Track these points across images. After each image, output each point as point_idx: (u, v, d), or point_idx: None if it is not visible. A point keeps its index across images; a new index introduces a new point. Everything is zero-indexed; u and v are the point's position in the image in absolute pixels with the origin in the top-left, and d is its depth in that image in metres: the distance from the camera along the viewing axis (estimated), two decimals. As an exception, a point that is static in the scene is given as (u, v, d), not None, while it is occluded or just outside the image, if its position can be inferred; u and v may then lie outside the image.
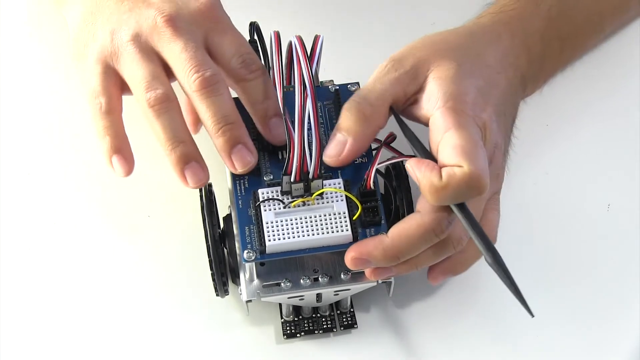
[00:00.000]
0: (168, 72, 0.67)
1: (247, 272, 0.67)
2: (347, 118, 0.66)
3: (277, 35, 0.68)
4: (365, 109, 0.66)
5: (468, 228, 0.62)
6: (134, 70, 0.66)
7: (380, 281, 0.67)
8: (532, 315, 0.62)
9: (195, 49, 0.66)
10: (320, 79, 0.72)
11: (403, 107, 0.67)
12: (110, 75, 0.67)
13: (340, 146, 0.66)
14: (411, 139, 0.66)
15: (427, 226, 0.63)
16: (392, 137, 0.68)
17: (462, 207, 0.63)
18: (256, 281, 0.67)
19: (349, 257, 0.64)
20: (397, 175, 0.68)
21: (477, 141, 0.63)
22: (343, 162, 0.66)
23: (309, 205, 0.66)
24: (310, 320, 0.70)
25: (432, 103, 0.65)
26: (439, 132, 0.64)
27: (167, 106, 0.65)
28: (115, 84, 0.67)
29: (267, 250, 0.65)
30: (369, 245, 0.64)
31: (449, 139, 0.63)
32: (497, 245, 0.73)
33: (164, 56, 0.67)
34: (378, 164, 0.66)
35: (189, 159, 0.65)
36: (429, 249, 0.65)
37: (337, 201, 0.66)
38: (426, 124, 0.66)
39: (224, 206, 0.70)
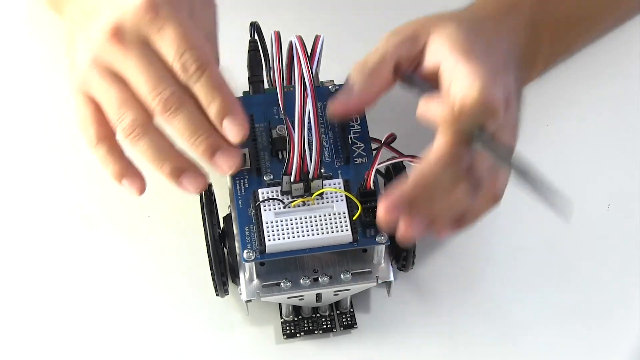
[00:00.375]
0: None
1: (247, 272, 0.67)
2: (351, 75, 0.67)
3: (278, 35, 0.68)
4: (367, 65, 0.67)
5: (491, 149, 0.62)
6: (103, 98, 0.66)
7: (380, 282, 0.67)
8: (568, 220, 0.61)
9: (147, 64, 0.64)
10: (321, 79, 0.72)
11: (409, 69, 0.68)
12: (90, 103, 0.67)
13: (345, 98, 0.67)
14: (423, 86, 0.67)
15: (445, 152, 0.63)
16: (392, 137, 0.68)
17: (480, 131, 0.63)
18: (256, 281, 0.67)
19: (382, 212, 0.63)
20: (397, 175, 0.68)
21: (487, 68, 0.64)
22: (343, 112, 0.67)
23: (309, 205, 0.66)
24: (310, 320, 0.70)
25: (439, 54, 0.66)
26: (449, 72, 0.65)
27: (141, 131, 0.64)
28: (98, 110, 0.67)
29: (267, 250, 0.65)
30: (395, 189, 0.63)
31: (460, 70, 0.64)
32: (497, 245, 0.74)
33: (123, 76, 0.65)
34: (378, 164, 0.66)
35: (181, 170, 0.65)
36: (459, 188, 0.64)
37: (337, 201, 0.66)
38: (436, 80, 0.66)
39: (224, 206, 0.70)
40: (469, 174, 0.65)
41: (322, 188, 0.66)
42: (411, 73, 0.68)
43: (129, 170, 0.67)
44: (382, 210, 0.63)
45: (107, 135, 0.66)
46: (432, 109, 0.64)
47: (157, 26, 0.64)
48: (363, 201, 0.66)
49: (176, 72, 0.64)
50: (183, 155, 0.65)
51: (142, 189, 0.67)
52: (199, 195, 0.67)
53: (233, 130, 0.64)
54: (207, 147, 0.64)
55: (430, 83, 0.67)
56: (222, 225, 0.69)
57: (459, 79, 0.64)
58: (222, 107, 0.64)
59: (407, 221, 0.63)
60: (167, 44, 0.64)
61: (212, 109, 0.64)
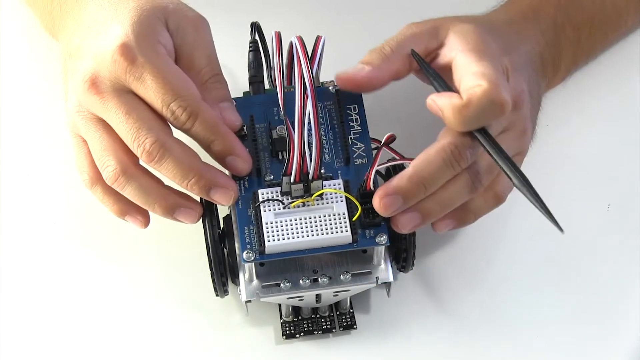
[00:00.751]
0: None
1: (247, 272, 0.67)
2: (368, 55, 0.68)
3: (278, 36, 0.68)
4: (385, 49, 0.68)
5: (491, 152, 0.63)
6: (89, 143, 0.67)
7: (379, 282, 0.67)
8: (562, 231, 0.62)
9: (126, 112, 0.64)
10: (321, 80, 0.72)
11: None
12: (84, 145, 0.68)
13: (355, 70, 0.67)
14: (434, 77, 0.67)
15: (446, 149, 0.64)
16: (392, 137, 0.68)
17: (484, 132, 0.63)
18: (256, 281, 0.67)
19: (377, 200, 0.64)
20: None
21: (498, 68, 0.64)
22: (354, 84, 0.68)
23: (308, 205, 0.66)
24: (309, 321, 0.70)
25: (454, 50, 0.67)
26: (461, 69, 0.65)
27: (124, 179, 0.65)
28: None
29: (267, 251, 0.65)
30: (392, 180, 0.64)
31: (470, 69, 0.64)
32: (497, 245, 0.73)
33: (107, 122, 0.66)
34: (378, 165, 0.66)
35: (173, 208, 0.66)
36: (458, 183, 0.65)
37: (337, 202, 0.66)
38: (449, 75, 0.67)
39: (223, 206, 0.70)
40: (469, 170, 0.65)
41: (322, 189, 0.66)
42: (427, 63, 0.68)
43: (129, 208, 0.68)
44: (377, 201, 0.64)
45: (101, 176, 0.67)
46: (440, 101, 0.65)
47: (135, 76, 0.64)
48: (363, 202, 0.66)
49: (166, 117, 0.64)
50: (172, 191, 0.66)
51: (145, 223, 0.68)
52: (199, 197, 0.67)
53: (237, 167, 0.66)
54: (201, 187, 0.65)
55: (444, 77, 0.68)
56: (222, 225, 0.69)
57: (469, 76, 0.64)
58: (223, 146, 0.65)
59: (402, 217, 0.65)
60: (151, 93, 0.64)
61: (214, 149, 0.65)
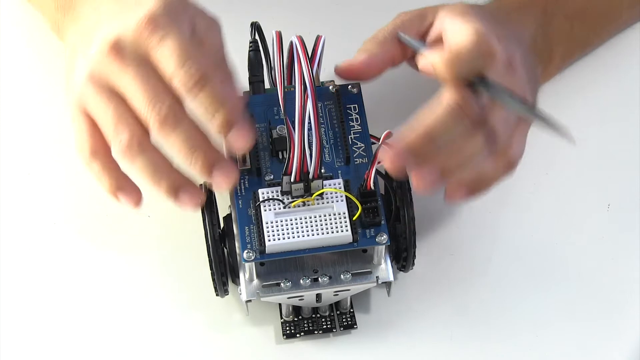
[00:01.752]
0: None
1: (247, 272, 0.67)
2: (363, 45, 0.69)
3: (279, 35, 0.68)
4: (378, 36, 0.69)
5: (497, 92, 0.63)
6: (98, 115, 0.66)
7: (380, 282, 0.67)
8: (574, 143, 0.62)
9: (144, 79, 0.64)
10: (321, 79, 0.72)
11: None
12: (86, 119, 0.67)
13: (352, 59, 0.69)
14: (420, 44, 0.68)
15: (450, 101, 0.63)
16: (389, 135, 0.68)
17: (484, 80, 0.63)
18: (256, 281, 0.67)
19: (388, 160, 0.63)
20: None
21: (486, 26, 0.65)
22: (351, 72, 0.68)
23: (309, 205, 0.66)
24: (310, 321, 0.70)
25: (443, 22, 0.68)
26: (450, 32, 0.66)
27: (137, 150, 0.64)
28: (94, 125, 0.67)
29: (267, 250, 0.65)
30: (399, 137, 0.63)
31: (458, 27, 0.65)
32: (497, 245, 0.73)
33: (119, 92, 0.65)
34: (378, 164, 0.66)
35: (179, 187, 0.65)
36: (474, 141, 0.64)
37: (337, 201, 0.66)
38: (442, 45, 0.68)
39: (224, 206, 0.70)
40: (480, 127, 0.64)
41: (322, 188, 0.66)
42: (414, 39, 0.69)
43: (124, 184, 0.67)
44: (388, 161, 0.63)
45: (101, 150, 0.66)
46: (431, 56, 0.65)
47: (156, 39, 0.64)
48: (363, 201, 0.66)
49: (175, 86, 0.64)
50: (180, 172, 0.65)
51: (138, 202, 0.67)
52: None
53: (238, 141, 0.64)
54: (204, 163, 0.64)
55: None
56: (222, 225, 0.69)
57: (457, 31, 0.65)
58: (226, 119, 0.63)
59: (418, 172, 0.64)
60: (166, 57, 0.64)
61: (216, 121, 0.64)
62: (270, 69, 0.72)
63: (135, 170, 0.65)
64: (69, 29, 0.71)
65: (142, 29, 0.64)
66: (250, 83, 0.73)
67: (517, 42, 0.69)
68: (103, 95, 0.65)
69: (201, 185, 0.67)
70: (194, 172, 0.65)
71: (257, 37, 0.72)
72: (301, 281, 0.66)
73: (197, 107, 0.64)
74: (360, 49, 0.70)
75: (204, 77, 0.63)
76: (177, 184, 0.65)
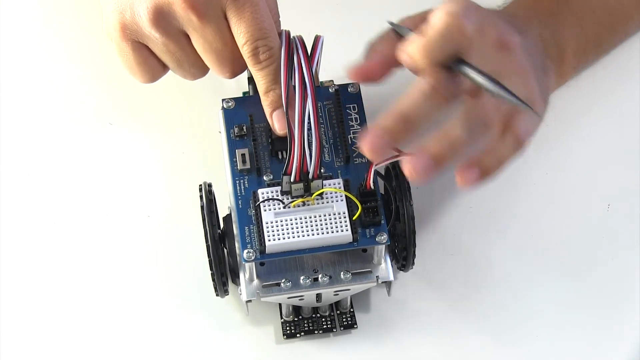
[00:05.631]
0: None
1: (247, 272, 0.67)
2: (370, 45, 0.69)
3: (288, 35, 0.68)
4: (382, 34, 0.69)
5: (473, 74, 0.62)
6: (164, 57, 0.68)
7: (380, 282, 0.67)
8: (539, 116, 0.63)
9: (222, 41, 0.66)
10: (320, 79, 0.72)
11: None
12: (143, 49, 0.69)
13: (360, 61, 0.68)
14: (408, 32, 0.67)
15: (423, 82, 0.63)
16: None
17: (462, 61, 0.63)
18: (256, 281, 0.67)
19: (364, 144, 0.62)
20: (396, 175, 0.68)
21: (462, 7, 0.64)
22: (363, 74, 0.67)
23: (308, 205, 0.66)
24: (310, 321, 0.70)
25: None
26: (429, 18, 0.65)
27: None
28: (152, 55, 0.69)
29: (267, 250, 0.65)
30: (376, 121, 0.63)
31: (434, 12, 0.64)
32: (497, 245, 0.73)
33: (193, 42, 0.67)
34: (377, 164, 0.66)
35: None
36: (460, 118, 0.63)
37: (337, 201, 0.66)
38: None
39: (224, 206, 0.70)
40: (472, 105, 0.64)
41: (322, 188, 0.66)
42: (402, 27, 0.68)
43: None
44: (365, 143, 0.62)
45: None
46: (406, 49, 0.64)
47: (237, 4, 0.66)
48: (363, 201, 0.66)
49: (243, 52, 0.66)
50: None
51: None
52: (199, 195, 0.67)
53: (281, 122, 0.67)
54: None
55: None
56: (222, 225, 0.69)
57: (432, 16, 0.64)
58: (279, 98, 0.67)
59: (407, 159, 0.63)
60: (245, 25, 0.66)
61: (269, 97, 0.67)
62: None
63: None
64: None
65: None
66: (249, 83, 0.73)
67: (515, 30, 0.68)
68: (171, 39, 0.67)
69: (201, 185, 0.67)
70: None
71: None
72: (301, 281, 0.66)
73: (256, 77, 0.67)
74: (368, 49, 0.68)
75: (272, 56, 0.66)
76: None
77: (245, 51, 0.66)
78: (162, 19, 0.66)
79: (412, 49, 0.63)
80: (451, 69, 0.63)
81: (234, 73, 0.69)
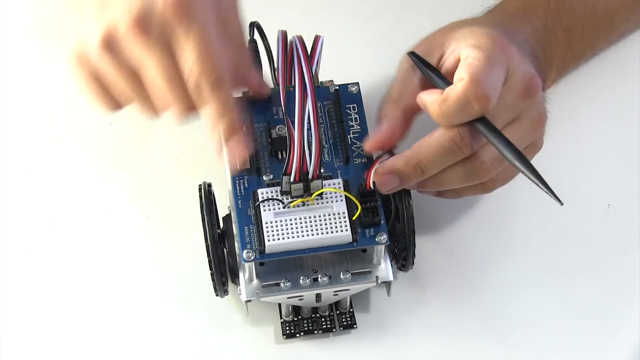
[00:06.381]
0: None
1: (247, 272, 0.67)
2: (381, 109, 0.68)
3: (284, 35, 0.68)
4: (392, 95, 0.68)
5: (490, 137, 0.63)
6: (115, 80, 0.64)
7: (379, 282, 0.67)
8: (561, 204, 0.63)
9: (166, 68, 0.62)
10: (320, 79, 0.72)
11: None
12: (90, 76, 0.65)
13: (376, 132, 0.68)
14: (436, 75, 0.67)
15: (445, 136, 0.64)
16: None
17: (485, 121, 0.63)
18: (255, 281, 0.67)
19: (376, 176, 0.65)
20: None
21: (489, 58, 0.64)
22: (381, 144, 0.68)
23: (308, 205, 0.66)
24: (309, 320, 0.70)
25: (457, 50, 0.66)
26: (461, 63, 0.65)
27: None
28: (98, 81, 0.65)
29: (267, 250, 0.65)
30: (391, 159, 0.65)
31: (464, 60, 0.64)
32: (497, 245, 0.73)
33: (138, 67, 0.63)
34: (377, 164, 0.66)
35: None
36: (457, 168, 0.65)
37: (337, 201, 0.66)
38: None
39: (223, 206, 0.70)
40: (472, 158, 0.65)
41: (322, 188, 0.66)
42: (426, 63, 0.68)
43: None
44: (375, 176, 0.65)
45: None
46: (425, 96, 0.65)
47: (184, 27, 0.61)
48: (363, 201, 0.66)
49: (187, 84, 0.62)
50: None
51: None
52: (198, 195, 0.67)
53: (237, 150, 0.64)
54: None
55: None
56: (221, 225, 0.69)
57: (459, 69, 0.64)
58: (230, 126, 0.64)
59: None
60: (189, 49, 0.62)
61: (218, 129, 0.64)
62: (274, 69, 0.72)
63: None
64: None
65: (172, 10, 0.61)
66: (249, 83, 0.73)
67: (536, 68, 0.69)
68: (118, 65, 0.63)
69: (200, 185, 0.67)
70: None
71: (255, 37, 0.72)
72: (301, 281, 0.66)
73: (203, 113, 0.63)
74: (379, 114, 0.68)
75: (216, 82, 0.62)
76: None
77: (189, 83, 0.62)
78: (114, 46, 0.63)
79: (432, 111, 0.64)
80: (473, 125, 0.64)
81: (182, 113, 0.64)
